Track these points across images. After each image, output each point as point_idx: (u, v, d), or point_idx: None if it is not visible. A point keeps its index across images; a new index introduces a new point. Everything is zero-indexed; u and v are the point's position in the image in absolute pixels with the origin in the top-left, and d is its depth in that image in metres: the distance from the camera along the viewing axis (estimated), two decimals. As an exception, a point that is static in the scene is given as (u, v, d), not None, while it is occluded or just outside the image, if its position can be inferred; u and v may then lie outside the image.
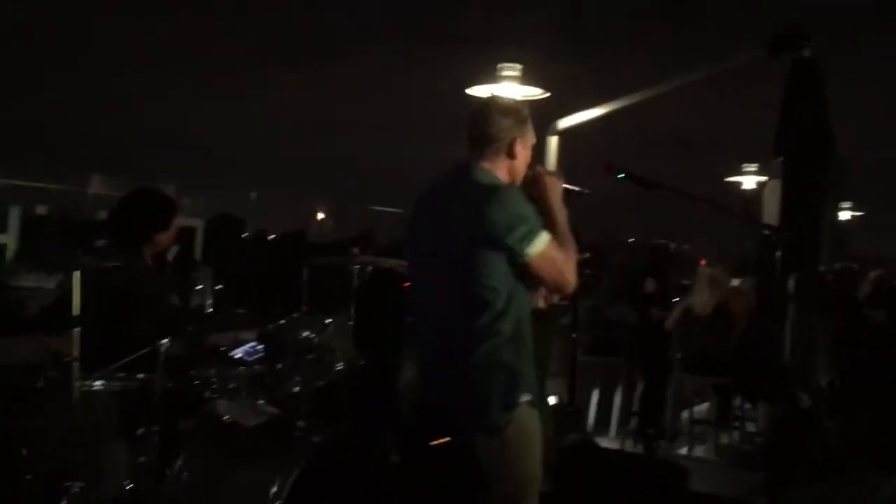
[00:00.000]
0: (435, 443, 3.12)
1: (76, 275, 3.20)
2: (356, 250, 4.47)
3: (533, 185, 2.87)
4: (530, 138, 2.87)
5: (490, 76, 5.91)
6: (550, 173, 2.96)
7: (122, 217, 3.95)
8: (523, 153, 2.84)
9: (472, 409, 2.66)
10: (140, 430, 3.28)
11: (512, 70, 5.87)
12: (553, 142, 6.46)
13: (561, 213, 2.85)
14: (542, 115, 6.36)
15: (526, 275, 2.71)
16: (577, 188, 3.04)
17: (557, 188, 2.90)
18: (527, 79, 5.91)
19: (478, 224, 2.63)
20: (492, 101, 2.92)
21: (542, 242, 2.67)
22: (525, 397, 2.67)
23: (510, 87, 5.92)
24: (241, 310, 4.43)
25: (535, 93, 6.00)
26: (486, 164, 2.79)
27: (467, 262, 2.65)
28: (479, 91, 6.02)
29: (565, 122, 6.41)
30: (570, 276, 2.75)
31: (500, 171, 2.81)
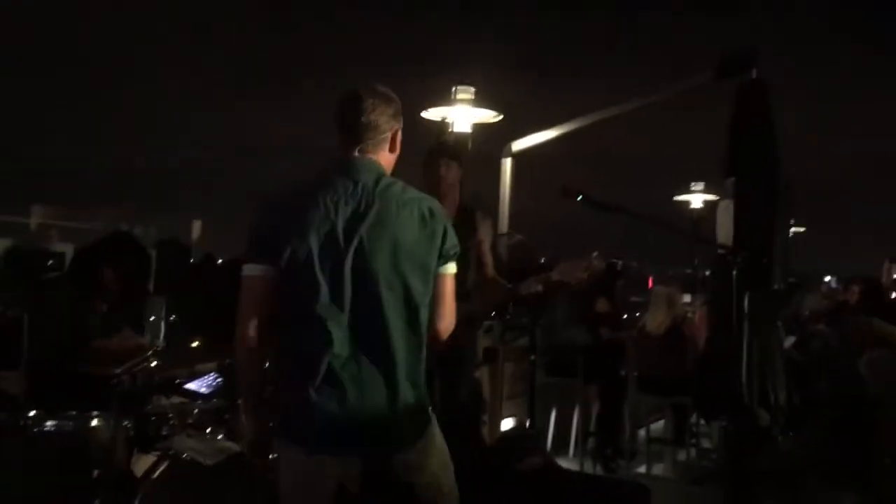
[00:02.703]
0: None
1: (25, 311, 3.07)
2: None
3: None
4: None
5: (444, 99, 5.93)
6: None
7: (92, 260, 3.83)
8: (398, 145, 2.61)
9: (405, 428, 2.47)
10: (95, 472, 3.15)
11: (466, 93, 5.90)
12: (507, 164, 6.48)
13: None
14: (496, 138, 6.42)
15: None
16: None
17: None
18: (480, 101, 5.95)
19: (430, 235, 2.46)
20: (369, 88, 2.55)
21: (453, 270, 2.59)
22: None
23: (464, 110, 5.95)
24: (197, 341, 4.30)
25: (488, 115, 6.04)
26: (370, 157, 2.51)
27: (402, 271, 2.42)
28: (433, 114, 6.04)
29: (519, 145, 6.44)
30: (451, 326, 2.60)
31: (383, 163, 2.56)
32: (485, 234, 4.34)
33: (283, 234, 2.39)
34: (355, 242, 2.39)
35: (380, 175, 2.49)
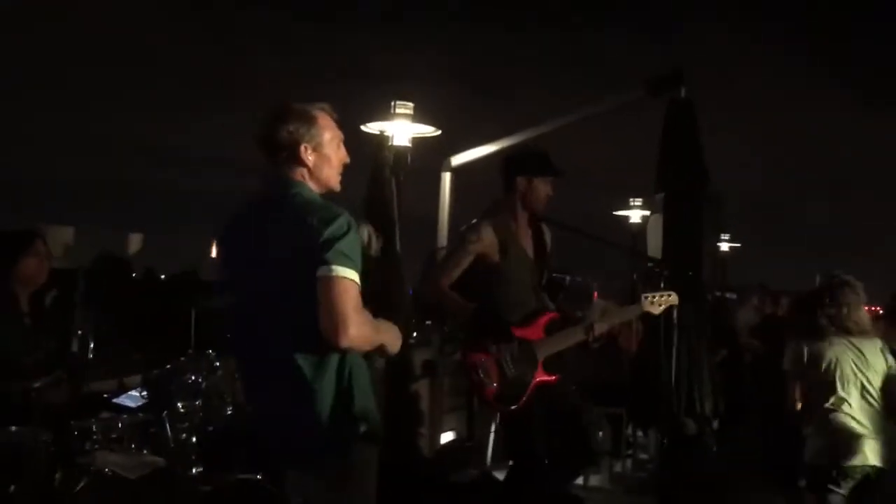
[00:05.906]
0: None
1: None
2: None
3: None
4: (328, 139, 2.62)
5: (384, 113, 5.96)
6: None
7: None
8: (314, 157, 2.60)
9: (321, 445, 2.49)
10: (12, 488, 3.09)
11: (404, 108, 5.94)
12: (447, 178, 6.55)
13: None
14: (436, 152, 6.48)
15: None
16: None
17: None
18: (419, 116, 5.99)
19: (306, 236, 2.42)
20: (275, 107, 2.62)
21: (347, 274, 2.38)
22: (362, 427, 2.52)
23: (403, 124, 5.99)
24: (127, 355, 4.26)
25: (426, 130, 6.09)
26: (287, 172, 2.59)
27: (301, 282, 2.40)
28: (373, 127, 6.07)
29: (458, 159, 6.51)
30: (350, 333, 2.35)
31: (299, 178, 2.60)
32: None
33: (220, 262, 2.70)
34: (259, 262, 2.54)
35: (285, 190, 2.58)
